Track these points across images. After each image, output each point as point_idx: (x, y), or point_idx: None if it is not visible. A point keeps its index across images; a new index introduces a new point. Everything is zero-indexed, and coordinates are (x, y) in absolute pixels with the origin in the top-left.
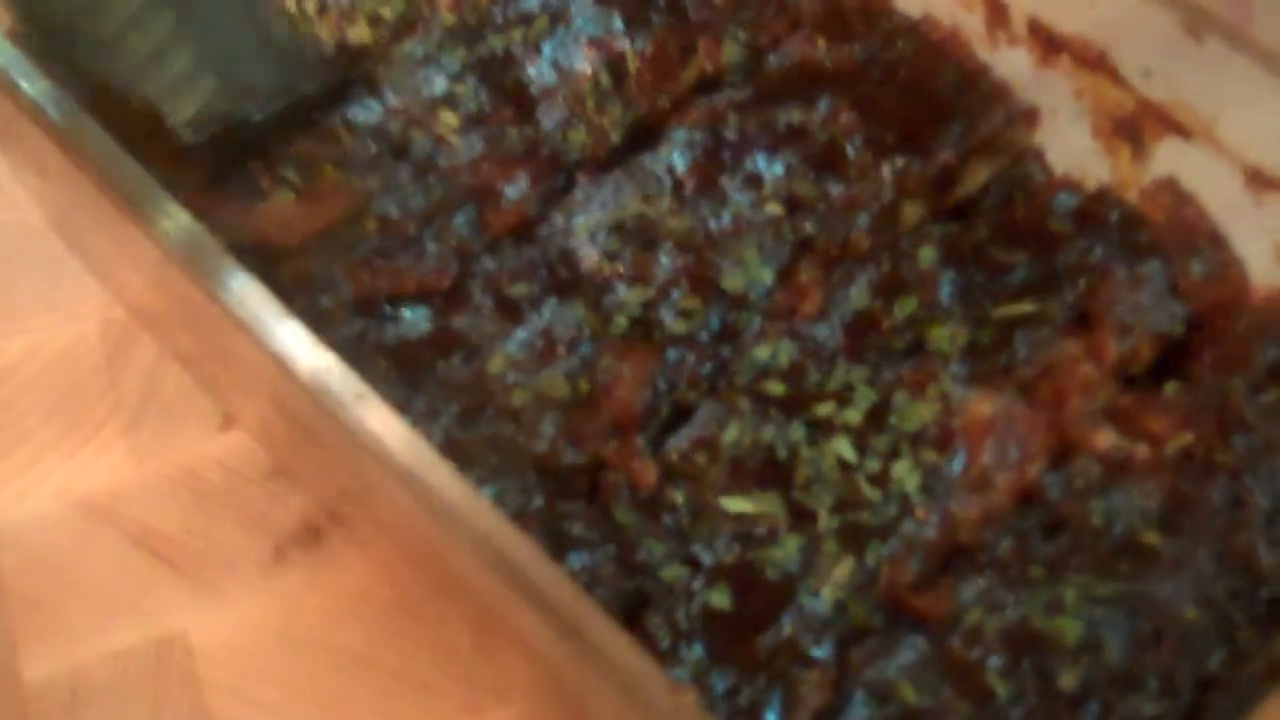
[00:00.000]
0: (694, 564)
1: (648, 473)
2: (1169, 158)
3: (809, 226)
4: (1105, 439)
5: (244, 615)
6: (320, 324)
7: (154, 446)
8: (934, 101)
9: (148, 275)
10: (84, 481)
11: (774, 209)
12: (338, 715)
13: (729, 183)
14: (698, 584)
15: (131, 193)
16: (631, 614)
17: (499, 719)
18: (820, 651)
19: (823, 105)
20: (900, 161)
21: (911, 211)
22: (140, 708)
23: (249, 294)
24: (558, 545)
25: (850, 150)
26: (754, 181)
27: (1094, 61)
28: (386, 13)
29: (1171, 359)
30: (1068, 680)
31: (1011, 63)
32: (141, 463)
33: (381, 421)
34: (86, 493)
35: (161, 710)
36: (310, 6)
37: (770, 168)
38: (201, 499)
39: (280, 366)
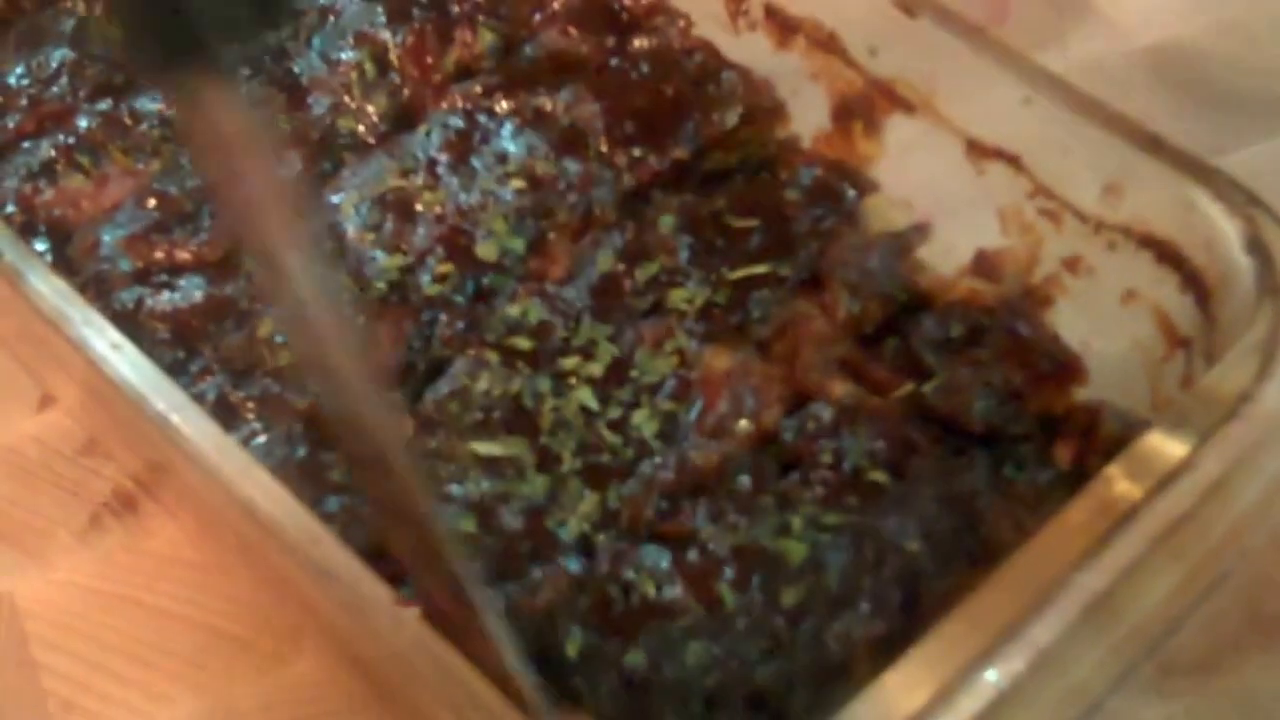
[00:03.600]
0: (446, 499)
1: (404, 425)
2: (898, 132)
3: (550, 201)
4: (839, 388)
5: (64, 578)
6: (102, 292)
7: None
8: (676, 95)
9: None
10: None
11: (517, 184)
12: (152, 667)
13: (478, 161)
14: (449, 514)
15: None
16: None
17: (301, 669)
18: (570, 562)
19: (566, 93)
20: (637, 151)
21: (652, 190)
22: None
23: (42, 281)
24: (318, 491)
25: (591, 137)
26: (500, 160)
27: (825, 42)
28: None
29: (903, 315)
30: (789, 596)
31: (753, 49)
32: None
33: (140, 375)
34: None
35: None
36: (100, 9)
37: (515, 148)
38: (22, 473)
39: (73, 345)
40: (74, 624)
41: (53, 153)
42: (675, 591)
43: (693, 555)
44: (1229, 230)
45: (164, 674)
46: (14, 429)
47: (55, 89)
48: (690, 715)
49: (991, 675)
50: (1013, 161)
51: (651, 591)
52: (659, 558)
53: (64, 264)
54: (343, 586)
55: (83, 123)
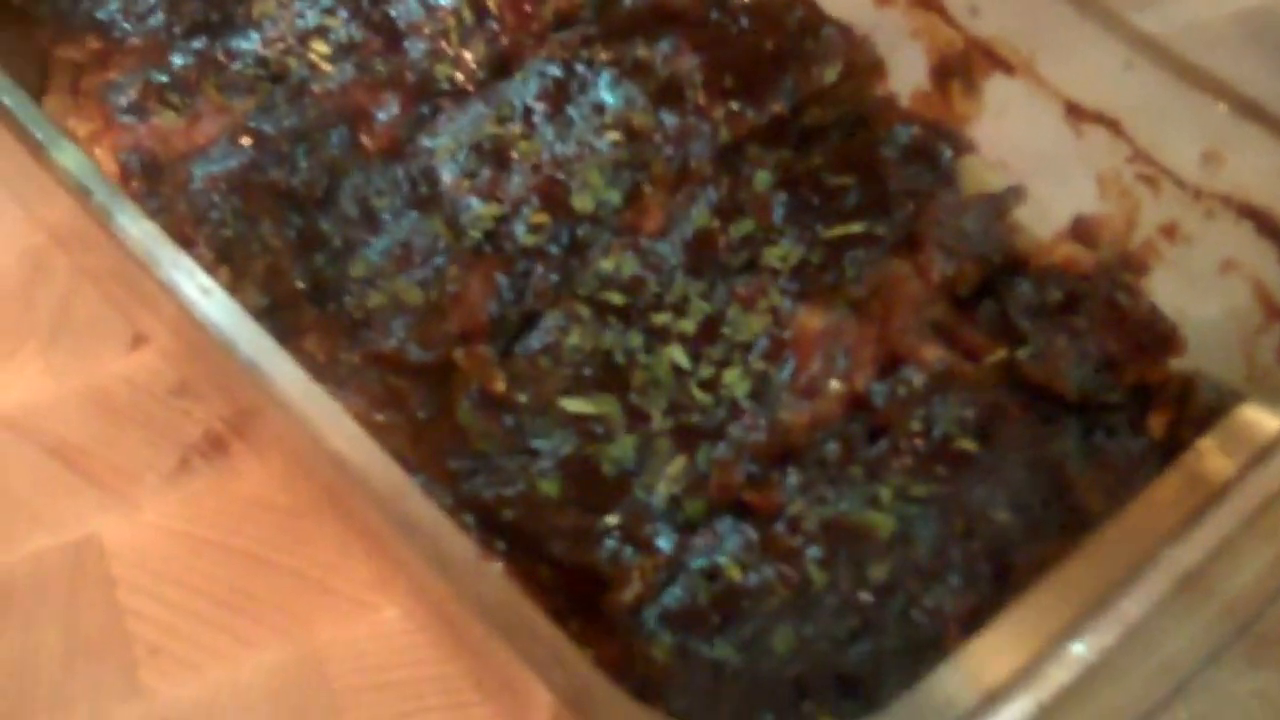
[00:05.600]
0: (533, 454)
1: (497, 380)
2: (997, 92)
3: (646, 154)
4: (931, 352)
5: (152, 520)
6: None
7: (68, 366)
8: (775, 49)
9: (57, 205)
10: (2, 398)
11: (614, 136)
12: (238, 611)
13: (574, 111)
14: (534, 470)
15: (31, 133)
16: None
17: (387, 616)
18: (661, 541)
19: (665, 44)
20: (734, 105)
21: (748, 145)
22: (58, 604)
23: (132, 222)
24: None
25: (689, 90)
26: (597, 111)
27: (925, 1)
28: None
29: (998, 277)
30: (877, 572)
31: (853, 4)
32: (57, 381)
33: (229, 319)
34: (4, 408)
35: (78, 606)
36: None
37: (612, 99)
38: (112, 414)
39: (163, 288)
40: (161, 567)
41: (146, 87)
42: (762, 574)
43: (779, 529)
44: None
45: (251, 619)
46: (105, 369)
47: (151, 22)
48: (781, 704)
49: (1079, 648)
50: (1112, 125)
51: (737, 575)
52: (746, 535)
53: (155, 200)
54: (427, 540)
55: (177, 60)
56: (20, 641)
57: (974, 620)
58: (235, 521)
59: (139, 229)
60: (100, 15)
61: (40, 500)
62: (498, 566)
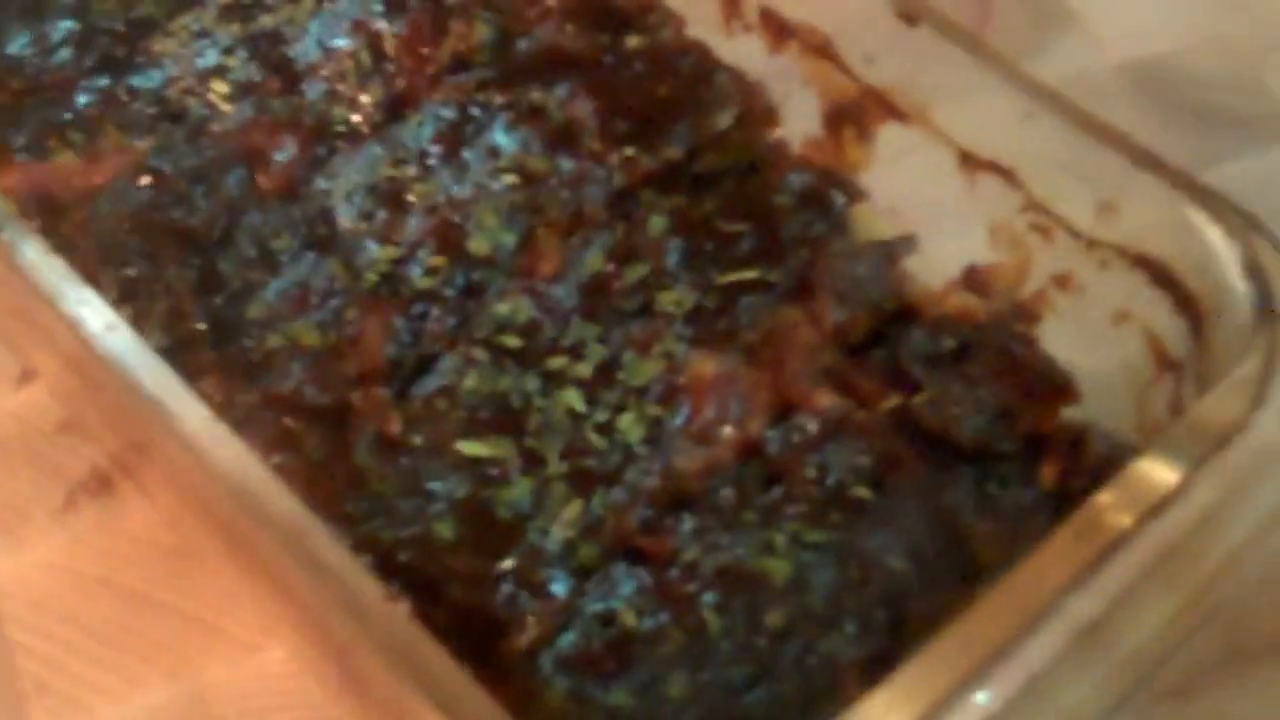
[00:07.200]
0: (428, 497)
1: (393, 422)
2: (890, 140)
3: (542, 197)
4: (824, 399)
5: (39, 558)
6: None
7: None
8: (670, 95)
9: None
10: None
11: (509, 179)
12: (126, 650)
13: (470, 154)
14: (430, 512)
15: None
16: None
17: (274, 658)
18: (556, 586)
19: (561, 89)
20: (629, 151)
21: (642, 190)
22: None
23: (38, 256)
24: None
25: (584, 134)
26: (493, 154)
27: (820, 48)
28: None
29: (890, 326)
30: (773, 618)
31: (746, 51)
32: None
33: (135, 357)
34: None
35: None
36: None
37: (508, 142)
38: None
39: (65, 322)
40: (49, 604)
41: (46, 126)
42: (657, 619)
43: (674, 575)
44: (1226, 254)
45: (138, 658)
46: None
47: (61, 56)
48: None
49: (982, 698)
50: (1006, 175)
51: (633, 621)
52: (640, 581)
53: (54, 239)
54: (334, 580)
55: (81, 99)
56: None
57: (869, 669)
58: (122, 560)
59: (44, 263)
60: (11, 50)
61: None
62: (404, 608)
